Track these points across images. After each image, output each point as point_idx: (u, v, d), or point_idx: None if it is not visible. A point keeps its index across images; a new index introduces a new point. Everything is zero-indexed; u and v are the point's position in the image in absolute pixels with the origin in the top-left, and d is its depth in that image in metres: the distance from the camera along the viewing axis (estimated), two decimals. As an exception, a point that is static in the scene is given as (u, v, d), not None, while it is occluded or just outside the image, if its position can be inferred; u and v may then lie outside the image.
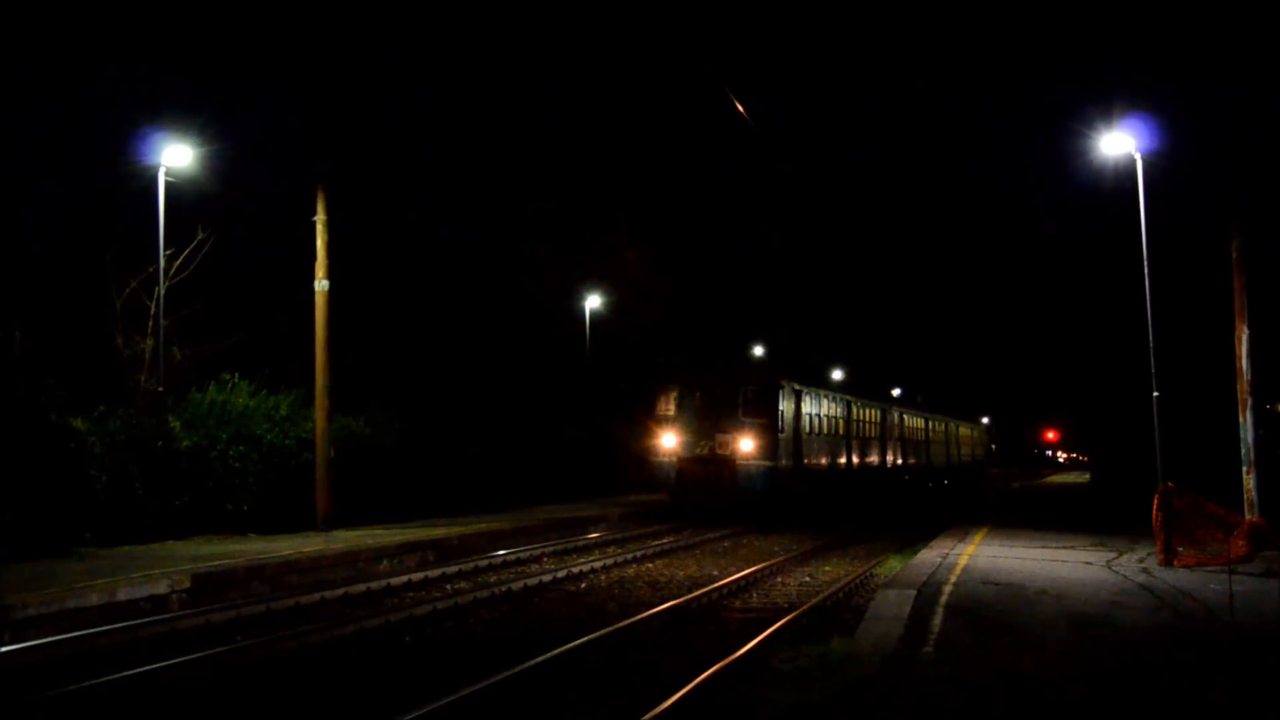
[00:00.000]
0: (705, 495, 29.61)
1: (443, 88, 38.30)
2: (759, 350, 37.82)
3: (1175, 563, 17.78)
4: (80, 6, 29.05)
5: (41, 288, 24.59)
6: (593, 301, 41.16)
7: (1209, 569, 16.95)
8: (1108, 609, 13.45)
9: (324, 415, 22.94)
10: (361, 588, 16.35)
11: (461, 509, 27.86)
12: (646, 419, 31.26)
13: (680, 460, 29.92)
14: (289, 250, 26.34)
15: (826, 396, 35.26)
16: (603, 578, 18.89)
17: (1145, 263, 19.97)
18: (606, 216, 44.90)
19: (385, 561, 19.28)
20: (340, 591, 15.94)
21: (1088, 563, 18.57)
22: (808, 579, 19.47)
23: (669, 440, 30.14)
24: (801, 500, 32.11)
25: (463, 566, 19.14)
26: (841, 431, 36.79)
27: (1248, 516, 18.66)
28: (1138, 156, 20.27)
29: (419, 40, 38.09)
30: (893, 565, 20.30)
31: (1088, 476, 65.50)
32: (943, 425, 56.85)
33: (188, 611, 14.14)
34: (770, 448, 29.72)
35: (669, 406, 30.54)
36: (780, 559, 21.79)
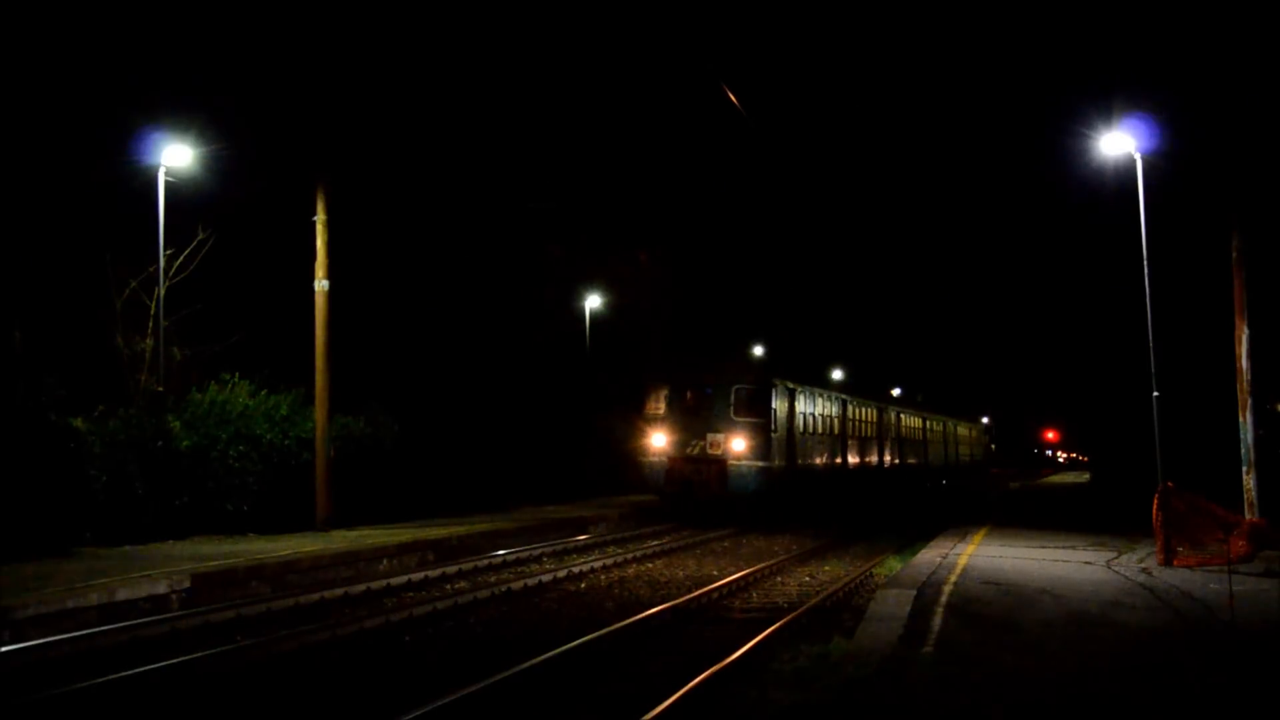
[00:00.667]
0: (696, 496, 29.05)
1: (442, 87, 38.27)
2: (759, 350, 37.49)
3: (1175, 563, 17.78)
4: (80, 6, 29.05)
5: (41, 288, 24.58)
6: (593, 301, 41.16)
7: (1209, 569, 16.96)
8: (1108, 609, 13.45)
9: (324, 415, 22.94)
10: (361, 588, 16.35)
11: (461, 509, 27.85)
12: (637, 418, 30.68)
13: (671, 460, 29.30)
14: (289, 250, 26.33)
15: (821, 395, 34.70)
16: (602, 578, 18.89)
17: (1145, 263, 19.97)
18: (606, 216, 44.90)
19: (385, 561, 19.28)
20: (340, 591, 15.94)
21: (1087, 563, 18.57)
22: (807, 579, 19.47)
23: (659, 440, 29.54)
24: (795, 501, 31.63)
25: (462, 566, 19.14)
26: (837, 431, 36.22)
27: (1248, 516, 18.67)
28: (1138, 156, 20.28)
29: (419, 40, 38.07)
30: (892, 565, 20.30)
31: (1087, 476, 65.50)
32: (941, 424, 56.43)
33: (187, 611, 14.14)
34: (763, 448, 29.14)
35: (659, 405, 30.01)
36: (780, 559, 21.79)
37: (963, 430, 64.65)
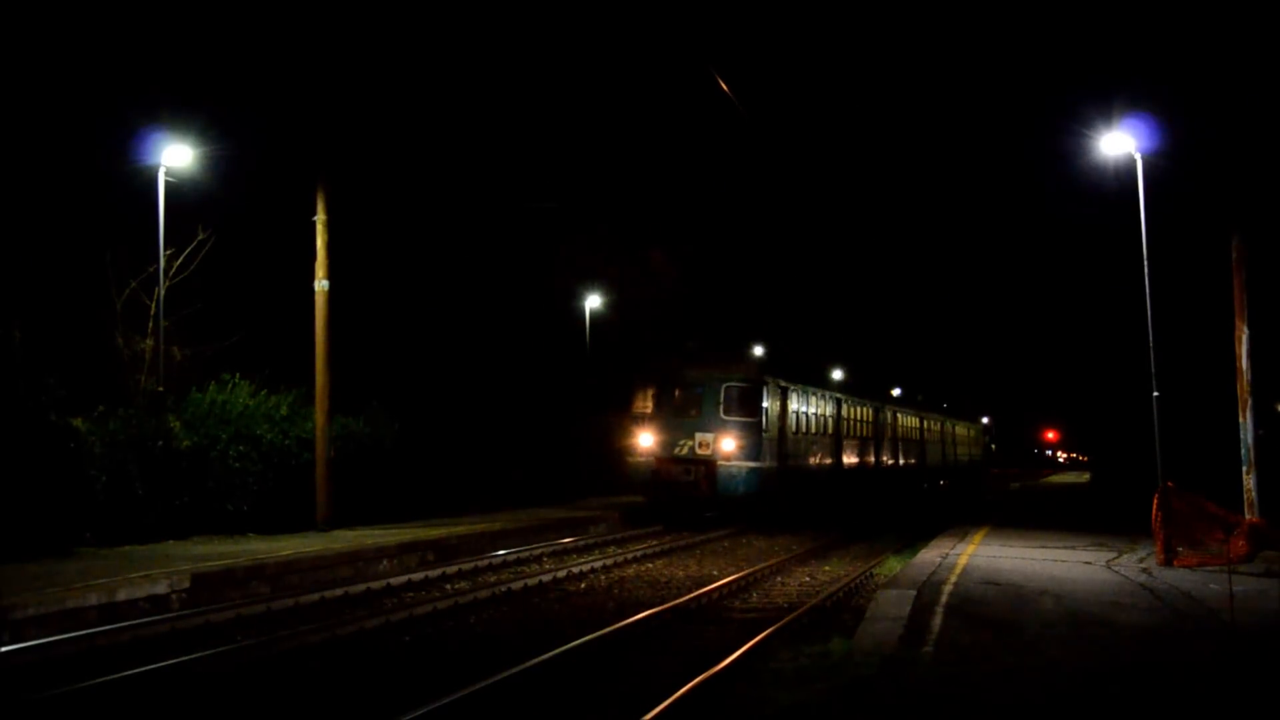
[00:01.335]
0: (684, 498, 28.14)
1: (443, 87, 38.28)
2: (759, 350, 36.96)
3: (1175, 563, 17.79)
4: (80, 6, 29.05)
5: (41, 288, 24.56)
6: (593, 301, 41.16)
7: (1209, 569, 16.97)
8: (1107, 609, 13.46)
9: (324, 415, 22.94)
10: (361, 588, 16.35)
11: (461, 509, 27.84)
12: (625, 417, 29.95)
13: (658, 461, 28.28)
14: (289, 250, 26.32)
15: (815, 394, 33.82)
16: (602, 578, 18.89)
17: (1145, 263, 19.97)
18: (607, 216, 44.89)
19: (385, 561, 19.28)
20: (340, 591, 15.94)
21: (1087, 563, 18.57)
22: (807, 579, 19.47)
23: (646, 439, 28.55)
24: (788, 503, 30.81)
25: (462, 566, 19.14)
26: (831, 430, 35.38)
27: (1248, 516, 18.67)
28: (1138, 156, 20.27)
29: (419, 39, 38.07)
30: (892, 565, 20.31)
31: (1087, 476, 65.54)
32: (939, 424, 55.88)
33: (187, 611, 14.14)
34: (753, 448, 28.19)
35: (647, 404, 29.05)
36: (779, 559, 21.80)
37: (961, 430, 64.17)
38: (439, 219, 36.33)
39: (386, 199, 33.83)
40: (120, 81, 28.65)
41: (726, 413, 28.38)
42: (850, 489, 37.19)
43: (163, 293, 22.70)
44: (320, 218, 23.07)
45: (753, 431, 28.30)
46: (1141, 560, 18.74)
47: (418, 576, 17.71)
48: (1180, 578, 16.44)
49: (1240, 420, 19.26)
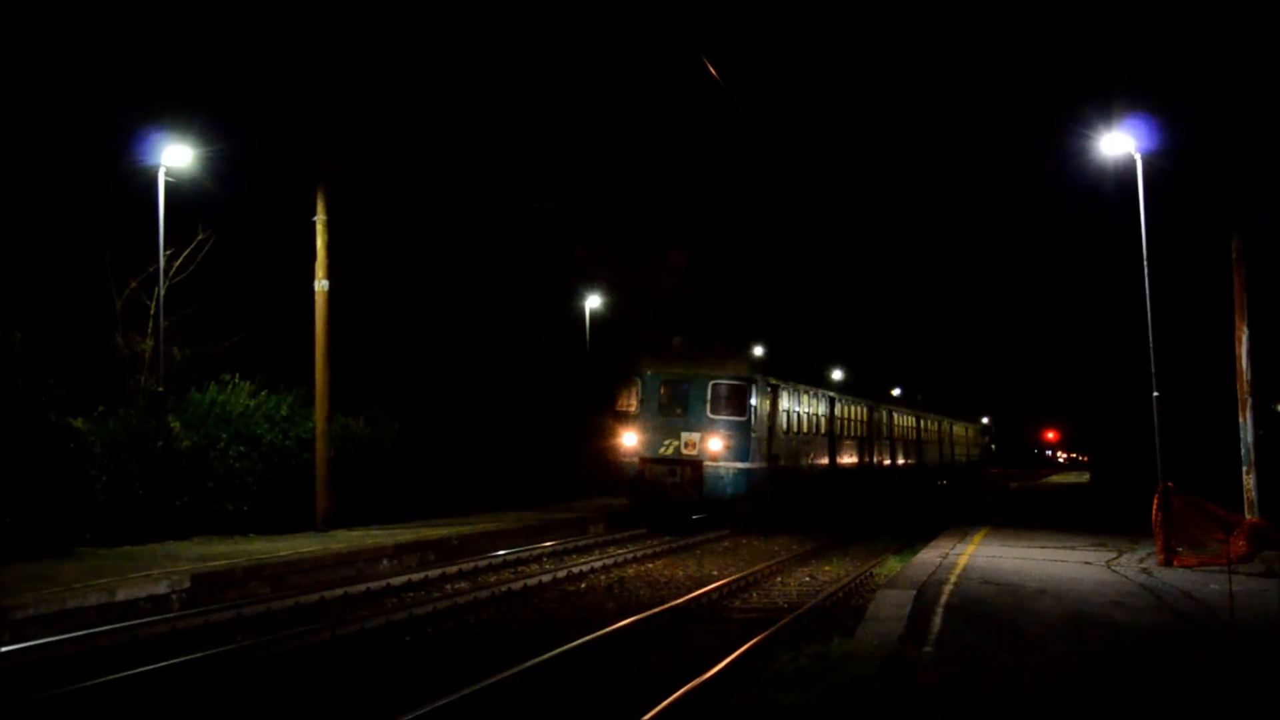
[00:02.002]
0: (669, 500, 27.11)
1: (443, 87, 38.28)
2: (759, 350, 36.72)
3: (1175, 563, 17.79)
4: (80, 6, 29.06)
5: (41, 288, 24.56)
6: (593, 301, 41.15)
7: (1209, 569, 16.97)
8: (1107, 609, 13.46)
9: (324, 415, 22.95)
10: (361, 588, 16.35)
11: (461, 509, 27.83)
12: (608, 416, 28.98)
13: (642, 461, 27.30)
14: (289, 250, 26.32)
15: (807, 393, 32.87)
16: (602, 578, 18.89)
17: (1145, 263, 19.97)
18: (607, 216, 44.90)
19: (385, 561, 19.28)
20: (340, 591, 15.94)
21: (1087, 563, 18.58)
22: (807, 579, 19.47)
23: (630, 439, 27.61)
24: (777, 505, 29.97)
25: (462, 566, 19.15)
26: (824, 430, 34.54)
27: (1248, 516, 18.68)
28: (1138, 156, 20.27)
29: (419, 39, 38.09)
30: (892, 566, 20.31)
31: (1087, 476, 65.51)
32: (936, 424, 55.30)
33: (187, 611, 14.14)
34: (741, 448, 27.23)
35: (631, 402, 28.06)
36: (779, 559, 21.81)
37: (959, 430, 63.67)
38: (439, 219, 36.32)
39: (386, 199, 33.82)
40: (120, 81, 28.65)
41: (714, 411, 27.51)
42: (844, 490, 36.56)
43: (163, 293, 22.70)
44: (320, 218, 23.08)
45: (741, 431, 27.42)
46: (1141, 560, 18.75)
47: (418, 576, 17.71)
48: (1180, 578, 16.44)
49: (1240, 420, 19.27)
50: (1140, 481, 24.56)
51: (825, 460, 34.70)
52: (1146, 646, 11.24)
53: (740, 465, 27.21)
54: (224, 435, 22.32)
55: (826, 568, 21.31)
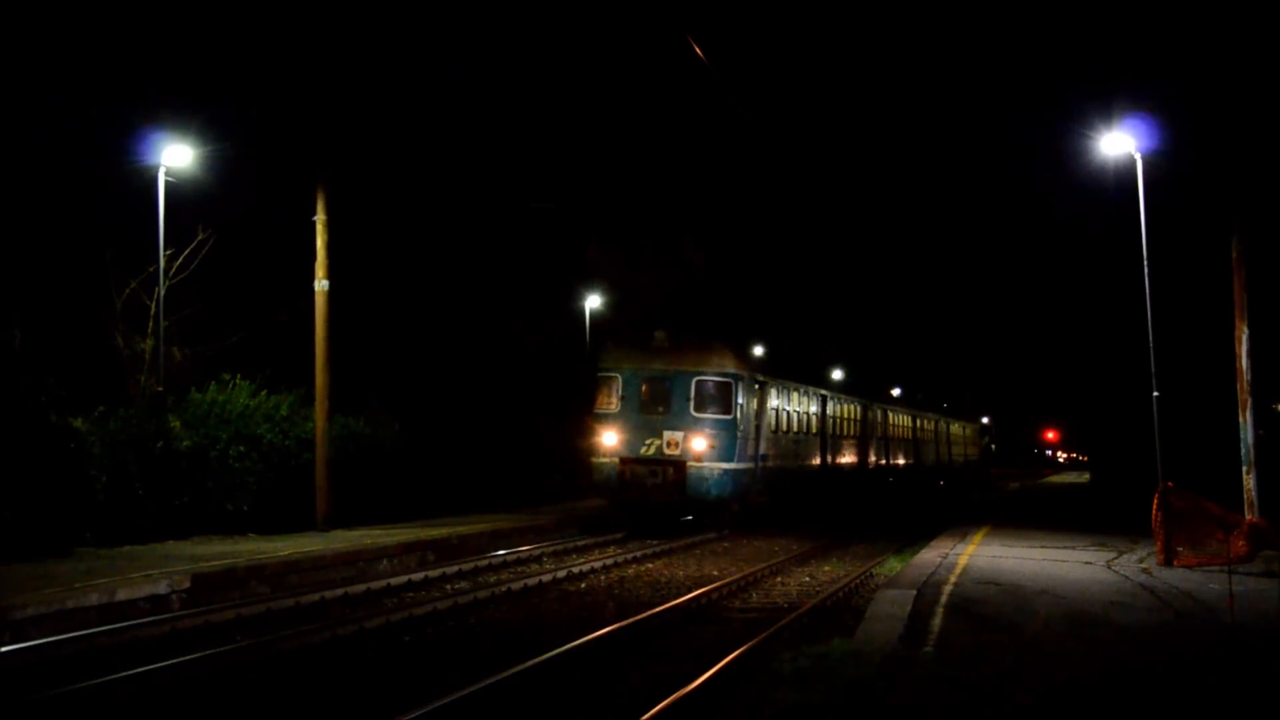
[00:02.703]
0: (650, 502, 25.86)
1: (443, 86, 38.28)
2: (759, 350, 36.47)
3: (1175, 563, 17.79)
4: (81, 6, 29.06)
5: (41, 288, 24.57)
6: (592, 301, 41.16)
7: (1209, 569, 16.97)
8: (1107, 609, 13.47)
9: (324, 415, 22.95)
10: (361, 588, 16.35)
11: (461, 509, 27.82)
12: (587, 415, 27.61)
13: (622, 462, 25.91)
14: (289, 250, 26.32)
15: (797, 390, 31.75)
16: (602, 578, 18.89)
17: (1145, 262, 19.98)
18: (606, 215, 44.90)
19: (385, 561, 19.28)
20: (340, 591, 15.93)
21: (1087, 563, 18.58)
22: (807, 579, 19.47)
23: (609, 438, 26.18)
24: (765, 506, 28.90)
25: (462, 566, 19.14)
26: (815, 429, 33.44)
27: (1248, 516, 18.68)
28: (1138, 156, 20.28)
29: (419, 39, 38.09)
30: (892, 566, 20.31)
31: (1087, 476, 65.50)
32: (933, 423, 54.50)
33: (187, 611, 14.14)
34: (727, 447, 25.99)
35: (611, 400, 26.66)
36: (779, 559, 21.81)
37: (956, 429, 62.75)
38: (439, 219, 36.33)
39: (386, 199, 33.83)
40: (120, 81, 28.66)
41: (698, 409, 26.17)
42: (837, 492, 35.74)
43: (163, 293, 22.70)
44: (320, 218, 23.08)
45: (726, 429, 26.16)
46: (1141, 560, 18.75)
47: (418, 576, 17.70)
48: (1180, 578, 16.44)
49: (1240, 420, 19.27)
50: (1140, 481, 24.58)
51: (816, 460, 33.82)
52: (1147, 646, 11.24)
53: (726, 465, 26.03)
54: (224, 435, 22.32)
55: (826, 568, 21.31)
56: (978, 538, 23.18)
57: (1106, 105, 22.33)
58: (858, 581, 18.50)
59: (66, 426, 19.01)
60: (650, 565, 20.83)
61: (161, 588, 14.68)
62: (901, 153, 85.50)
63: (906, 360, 73.42)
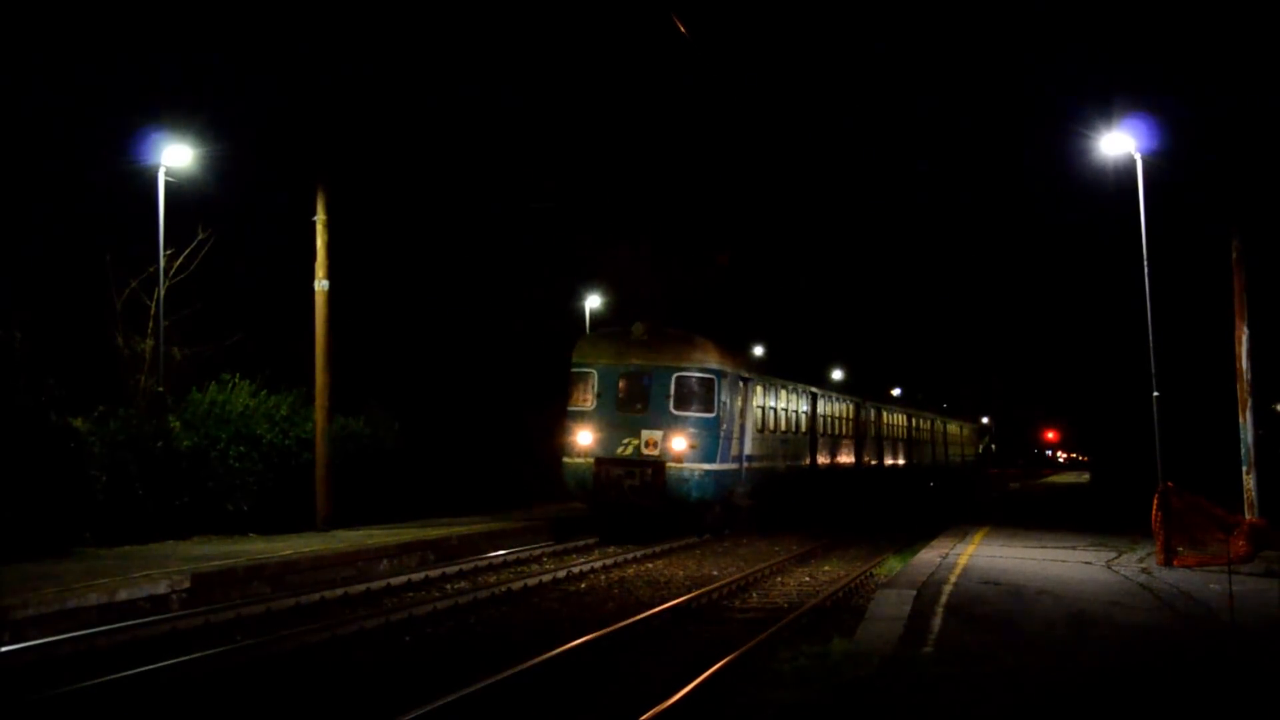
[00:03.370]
0: (627, 505, 24.50)
1: (443, 86, 38.35)
2: (759, 350, 36.25)
3: (1175, 563, 17.79)
4: (81, 6, 29.08)
5: (41, 288, 24.58)
6: (593, 301, 41.16)
7: (1209, 569, 16.97)
8: (1108, 609, 13.46)
9: (324, 415, 22.95)
10: (361, 588, 16.35)
11: (461, 509, 27.81)
12: (561, 413, 26.17)
13: (598, 463, 24.60)
14: (289, 250, 26.33)
15: (785, 388, 30.51)
16: (602, 577, 18.89)
17: (1145, 263, 19.98)
18: (606, 215, 44.92)
19: (385, 562, 19.28)
20: (340, 591, 15.94)
21: (1087, 563, 18.58)
22: (807, 579, 19.47)
23: (584, 438, 24.84)
24: (750, 509, 27.51)
25: (462, 566, 19.15)
26: (804, 428, 32.24)
27: (1248, 516, 18.69)
28: (1138, 156, 20.28)
29: (419, 39, 38.13)
30: (892, 566, 20.31)
31: (1087, 476, 65.51)
32: (929, 422, 53.45)
33: (188, 611, 14.15)
34: (708, 447, 24.68)
35: (586, 397, 25.31)
36: (779, 559, 21.81)
37: (953, 429, 61.78)
38: (439, 219, 36.34)
39: (386, 199, 33.84)
40: (120, 81, 28.67)
41: (678, 407, 24.77)
42: (826, 493, 34.53)
43: (163, 293, 22.71)
44: (320, 218, 23.09)
45: (708, 428, 24.84)
46: (1141, 560, 18.75)
47: (418, 576, 17.71)
48: (1180, 578, 16.44)
49: (1240, 420, 19.28)
50: (1140, 481, 24.58)
51: (805, 461, 32.68)
52: (1147, 646, 11.23)
53: (707, 466, 24.72)
54: (224, 435, 22.33)
55: (826, 568, 21.31)
56: (978, 538, 23.18)
57: (1106, 105, 22.35)
58: (858, 581, 18.49)
59: (66, 426, 19.01)
60: (650, 565, 20.83)
61: (161, 588, 14.68)
62: (902, 153, 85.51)
63: (907, 360, 73.47)
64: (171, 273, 23.84)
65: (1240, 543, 17.72)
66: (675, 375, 25.00)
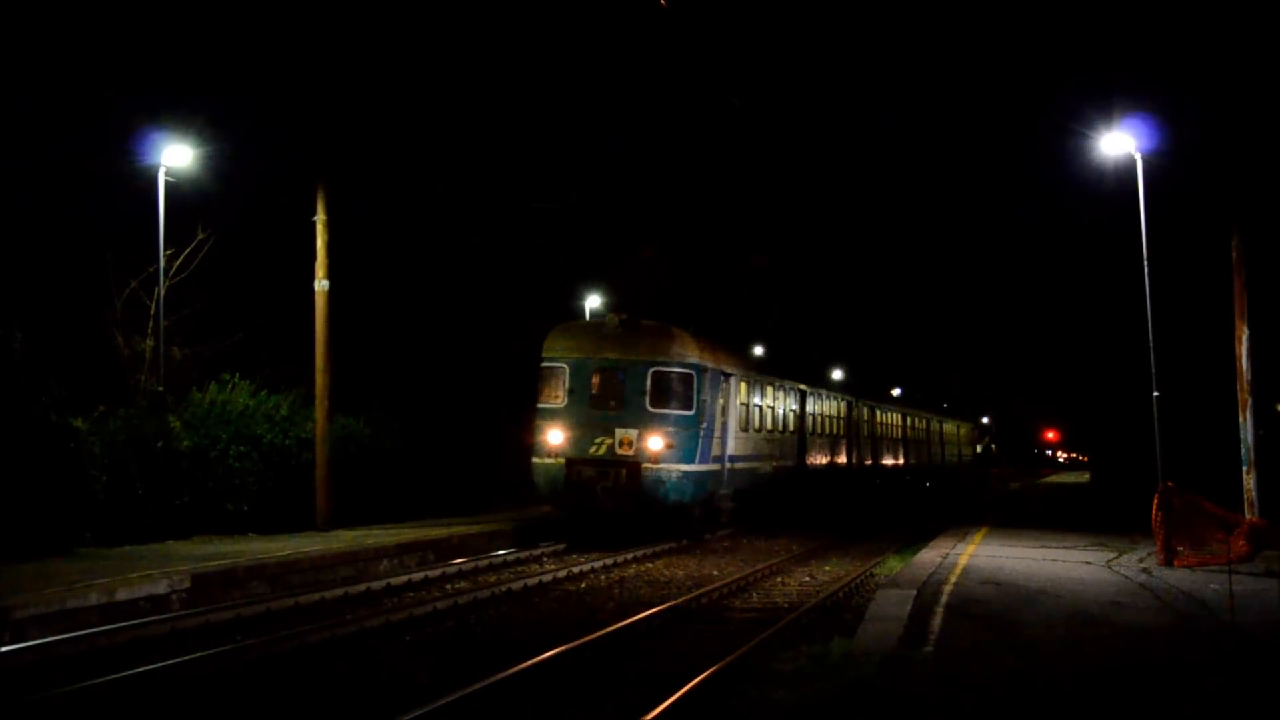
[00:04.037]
0: (600, 508, 22.97)
1: (443, 86, 38.29)
2: (759, 350, 36.06)
3: (1175, 563, 17.80)
4: (81, 6, 29.07)
5: (41, 288, 24.57)
6: (593, 301, 41.14)
7: (1209, 569, 16.98)
8: (1108, 609, 13.47)
9: (324, 415, 22.94)
10: (361, 588, 16.35)
11: (461, 510, 27.82)
12: (530, 410, 24.71)
13: (568, 463, 23.09)
14: (289, 250, 26.32)
15: (772, 384, 29.14)
16: (602, 577, 18.89)
17: (1145, 262, 19.98)
18: (607, 214, 44.89)
19: (385, 561, 19.28)
20: (340, 591, 15.94)
21: (1088, 563, 18.59)
22: (807, 579, 19.48)
23: (555, 437, 23.31)
24: (733, 512, 26.32)
25: (462, 566, 19.15)
26: (793, 427, 31.03)
27: (1248, 516, 18.69)
28: (1138, 156, 20.29)
29: (419, 39, 38.09)
30: (892, 565, 20.33)
31: (1087, 477, 65.51)
32: (924, 422, 52.76)
33: (188, 611, 14.15)
34: (686, 447, 23.17)
35: (557, 393, 23.76)
36: (779, 559, 21.82)
37: (950, 428, 61.01)
38: (439, 219, 36.32)
39: (386, 199, 33.81)
40: (120, 81, 28.66)
41: (654, 404, 23.24)
42: (817, 494, 33.41)
43: (163, 293, 22.71)
44: (320, 218, 23.08)
45: (687, 427, 23.34)
46: (1141, 560, 18.75)
47: (418, 576, 17.71)
48: (1180, 578, 16.45)
49: (1240, 420, 19.28)
50: (1140, 481, 24.58)
51: (792, 461, 31.39)
52: (1147, 646, 11.24)
53: (686, 467, 23.22)
54: (224, 435, 22.33)
55: (826, 568, 21.31)
56: (978, 538, 23.19)
57: (1106, 105, 22.34)
58: (858, 581, 18.50)
59: (67, 426, 19.01)
60: (650, 565, 20.83)
61: (161, 588, 14.68)
62: (902, 153, 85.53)
63: (907, 361, 73.49)
64: (171, 273, 23.84)
65: (1240, 543, 17.73)
66: (651, 370, 23.46)
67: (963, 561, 18.29)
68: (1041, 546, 21.42)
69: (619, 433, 23.13)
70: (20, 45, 26.94)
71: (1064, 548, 21.16)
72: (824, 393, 34.80)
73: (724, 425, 25.32)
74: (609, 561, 20.47)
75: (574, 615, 14.94)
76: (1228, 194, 20.15)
